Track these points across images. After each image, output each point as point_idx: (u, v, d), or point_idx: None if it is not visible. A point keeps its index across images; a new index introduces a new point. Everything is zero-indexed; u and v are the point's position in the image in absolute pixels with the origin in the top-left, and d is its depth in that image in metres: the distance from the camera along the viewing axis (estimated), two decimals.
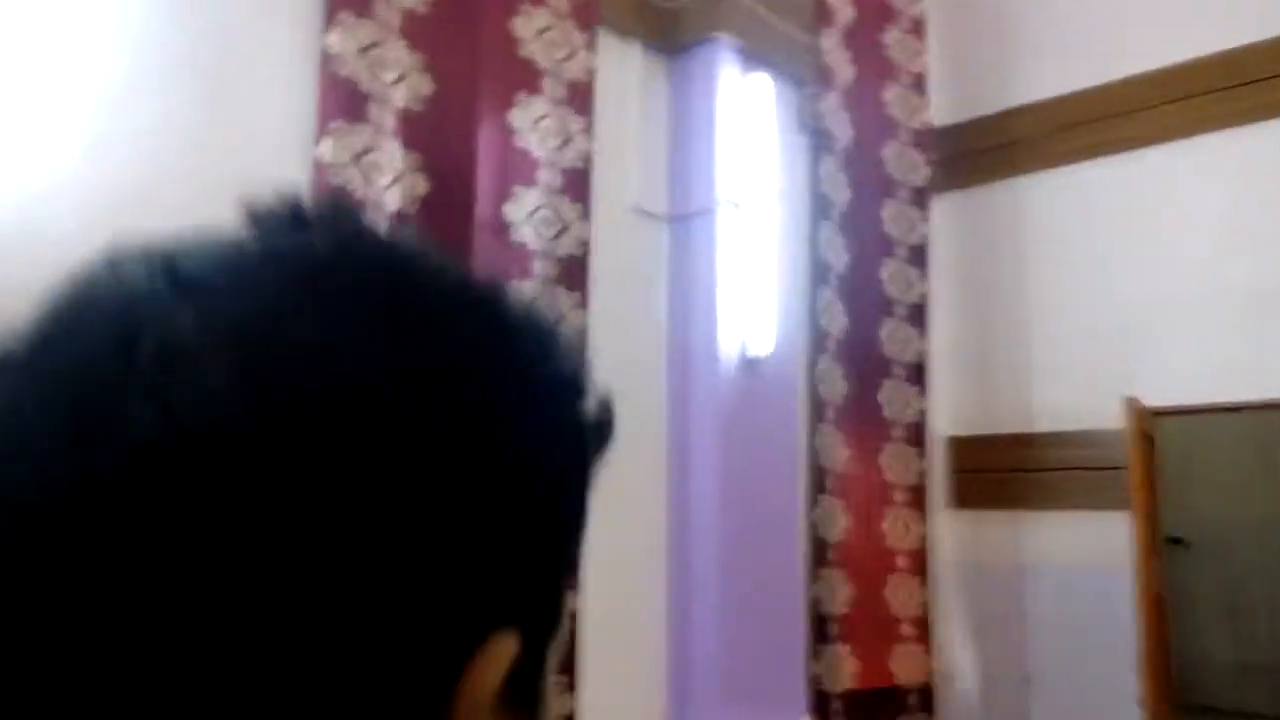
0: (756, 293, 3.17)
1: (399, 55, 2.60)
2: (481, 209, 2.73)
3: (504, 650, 0.30)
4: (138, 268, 0.29)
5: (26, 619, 0.25)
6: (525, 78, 2.87)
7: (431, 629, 0.28)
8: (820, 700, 3.34)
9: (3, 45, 1.93)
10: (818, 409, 3.48)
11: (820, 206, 3.56)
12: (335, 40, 2.47)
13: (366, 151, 2.50)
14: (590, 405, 0.33)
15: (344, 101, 2.47)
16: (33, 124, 1.96)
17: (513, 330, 0.32)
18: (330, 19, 2.48)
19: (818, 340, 3.50)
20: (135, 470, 0.25)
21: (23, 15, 1.96)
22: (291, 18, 2.44)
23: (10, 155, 1.94)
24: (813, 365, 3.48)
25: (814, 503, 3.44)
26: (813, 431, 3.46)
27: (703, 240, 3.12)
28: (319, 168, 2.41)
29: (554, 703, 0.34)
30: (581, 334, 2.87)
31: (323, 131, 2.43)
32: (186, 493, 0.25)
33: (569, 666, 2.68)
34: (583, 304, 2.88)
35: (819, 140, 3.58)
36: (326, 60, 2.46)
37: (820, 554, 3.41)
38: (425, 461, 0.28)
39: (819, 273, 3.54)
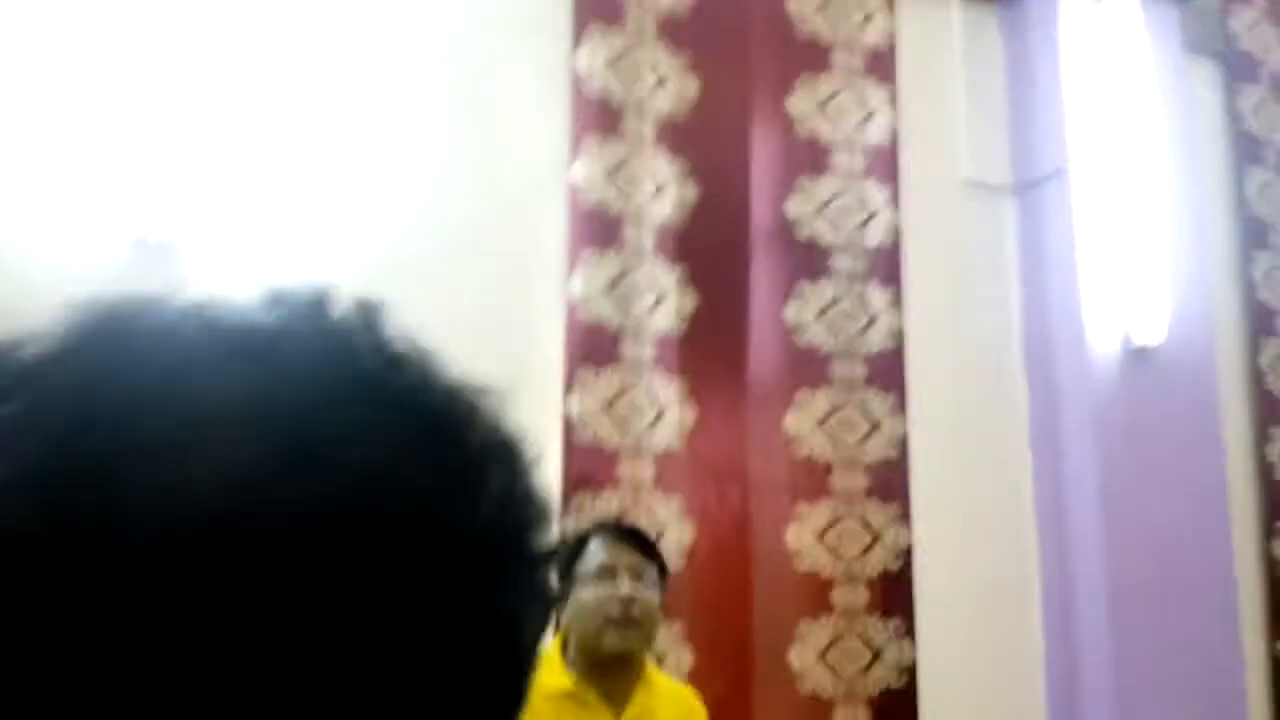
0: (1139, 266, 2.49)
1: (656, 59, 2.43)
2: (759, 209, 2.44)
3: None
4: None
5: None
6: (807, 57, 2.55)
7: None
8: None
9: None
10: (1267, 408, 2.65)
11: (1244, 148, 2.77)
12: (584, 55, 2.37)
13: (622, 165, 2.35)
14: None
15: (597, 117, 2.35)
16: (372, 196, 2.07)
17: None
18: (579, 35, 2.38)
19: (1258, 318, 2.69)
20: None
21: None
22: (543, 39, 2.37)
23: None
24: (1253, 351, 2.68)
25: (1273, 533, 2.61)
26: (1262, 439, 2.65)
27: (1057, 208, 2.53)
28: (572, 191, 2.31)
29: None
30: (898, 337, 2.45)
31: (576, 152, 2.32)
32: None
33: None
34: (897, 301, 2.46)
35: (1235, 65, 2.80)
36: (576, 78, 2.36)
37: None
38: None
39: (1252, 232, 2.74)
